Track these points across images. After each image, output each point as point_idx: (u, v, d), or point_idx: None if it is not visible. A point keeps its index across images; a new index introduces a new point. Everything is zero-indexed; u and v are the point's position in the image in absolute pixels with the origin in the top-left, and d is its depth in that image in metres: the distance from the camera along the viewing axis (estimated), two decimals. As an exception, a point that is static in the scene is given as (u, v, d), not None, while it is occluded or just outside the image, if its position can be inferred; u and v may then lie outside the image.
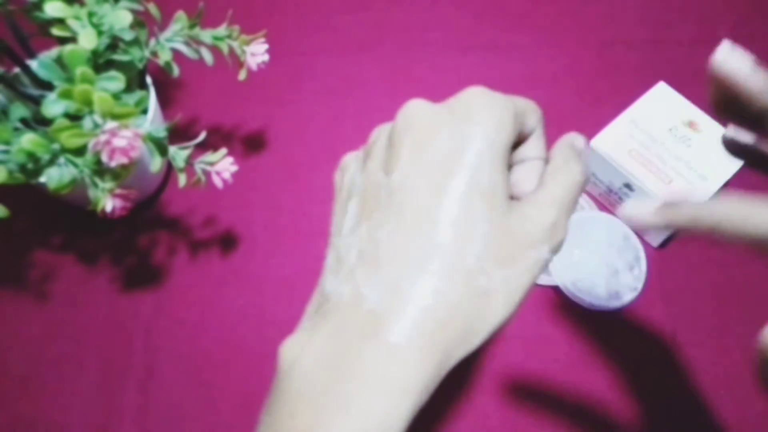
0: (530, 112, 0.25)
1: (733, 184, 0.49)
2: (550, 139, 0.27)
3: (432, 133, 0.23)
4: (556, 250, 0.24)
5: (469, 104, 0.23)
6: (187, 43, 0.42)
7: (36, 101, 0.41)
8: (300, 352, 0.21)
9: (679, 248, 0.52)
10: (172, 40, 0.42)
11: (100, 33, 0.37)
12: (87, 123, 0.35)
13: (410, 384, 0.20)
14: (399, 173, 0.22)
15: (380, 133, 0.25)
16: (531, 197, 0.24)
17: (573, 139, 0.26)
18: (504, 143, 0.23)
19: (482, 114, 0.23)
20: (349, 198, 0.25)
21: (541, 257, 0.23)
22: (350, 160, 0.27)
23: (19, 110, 0.40)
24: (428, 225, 0.21)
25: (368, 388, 0.20)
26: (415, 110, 0.23)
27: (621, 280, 0.49)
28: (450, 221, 0.21)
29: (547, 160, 0.26)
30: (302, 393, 0.20)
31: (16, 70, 0.42)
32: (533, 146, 0.26)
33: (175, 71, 0.43)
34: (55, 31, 0.37)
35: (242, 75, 0.44)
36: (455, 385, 0.46)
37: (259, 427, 0.22)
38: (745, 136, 0.31)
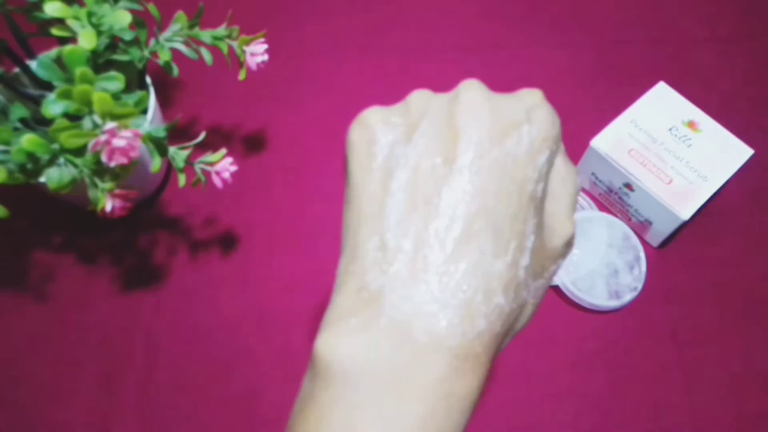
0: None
1: (733, 184, 0.49)
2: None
3: (503, 129, 0.21)
4: (564, 260, 0.24)
5: (536, 109, 0.22)
6: (186, 43, 0.42)
7: (36, 101, 0.41)
8: (352, 351, 0.20)
9: (679, 248, 0.52)
10: (171, 40, 0.42)
11: (99, 33, 0.37)
12: (87, 123, 0.35)
13: (471, 395, 0.20)
14: (463, 168, 0.21)
15: (428, 105, 0.23)
16: (551, 210, 0.23)
17: None
18: (554, 157, 0.23)
19: (547, 121, 0.22)
20: (389, 173, 0.22)
21: (557, 269, 0.24)
22: (377, 120, 0.23)
23: (19, 110, 0.40)
24: (492, 236, 0.20)
25: (430, 400, 0.19)
26: (481, 97, 0.22)
27: (621, 280, 0.49)
28: (514, 232, 0.21)
29: None
30: (364, 397, 0.19)
31: (16, 70, 0.42)
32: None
33: (175, 71, 0.43)
34: (55, 31, 0.37)
35: (242, 75, 0.44)
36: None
37: (305, 417, 0.21)
38: None
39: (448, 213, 0.20)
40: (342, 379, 0.19)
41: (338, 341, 0.20)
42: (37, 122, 0.40)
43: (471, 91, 0.22)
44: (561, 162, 0.24)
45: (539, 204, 0.22)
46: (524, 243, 0.21)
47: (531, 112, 0.22)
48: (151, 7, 0.41)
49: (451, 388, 0.20)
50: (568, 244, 0.24)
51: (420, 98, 0.23)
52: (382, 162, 0.22)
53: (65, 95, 0.34)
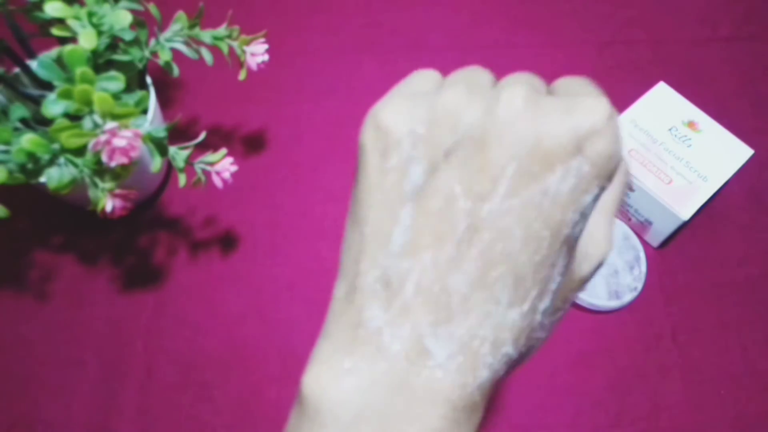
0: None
1: (733, 184, 0.49)
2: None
3: (547, 159, 0.17)
4: (589, 282, 0.21)
5: (594, 138, 0.18)
6: (187, 43, 0.42)
7: (36, 101, 0.41)
8: (344, 397, 0.18)
9: (679, 248, 0.52)
10: (172, 40, 0.42)
11: (100, 33, 0.37)
12: (87, 123, 0.35)
13: None
14: (491, 208, 0.17)
15: (460, 114, 0.18)
16: (588, 230, 0.20)
17: None
18: (603, 191, 0.19)
19: (604, 155, 0.18)
20: (401, 197, 0.19)
21: (578, 295, 0.21)
22: (394, 123, 0.19)
23: (19, 110, 0.40)
24: (511, 284, 0.18)
25: None
26: (525, 110, 0.18)
27: (621, 280, 0.49)
28: (537, 280, 0.18)
29: None
30: None
31: (16, 70, 0.42)
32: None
33: (175, 71, 0.43)
34: (55, 31, 0.37)
35: (242, 75, 0.44)
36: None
37: None
38: None
39: (462, 254, 0.17)
40: (333, 423, 0.18)
41: (330, 383, 0.18)
42: (38, 122, 0.40)
43: (514, 98, 0.18)
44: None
45: (574, 243, 0.19)
46: (548, 287, 0.18)
47: (587, 141, 0.18)
48: (152, 7, 0.41)
49: None
50: (600, 265, 0.20)
51: (452, 100, 0.19)
52: (396, 180, 0.19)
53: (65, 95, 0.34)
